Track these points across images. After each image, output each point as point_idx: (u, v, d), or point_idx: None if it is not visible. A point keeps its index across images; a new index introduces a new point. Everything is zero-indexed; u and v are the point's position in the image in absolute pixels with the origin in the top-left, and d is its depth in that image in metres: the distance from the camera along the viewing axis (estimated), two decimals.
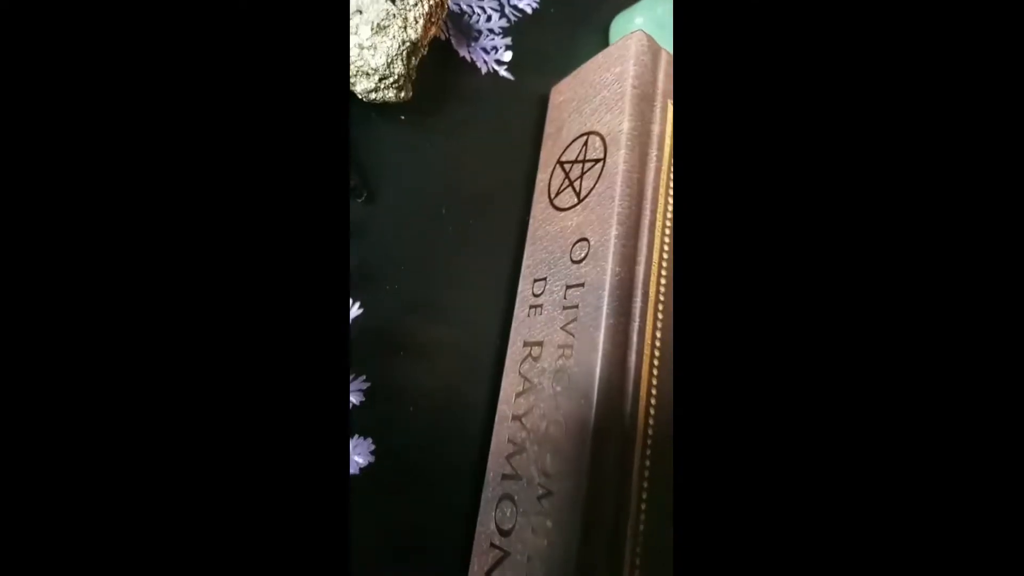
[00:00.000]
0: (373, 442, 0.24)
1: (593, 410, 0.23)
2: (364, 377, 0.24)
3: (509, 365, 0.30)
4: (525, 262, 0.32)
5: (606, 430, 0.23)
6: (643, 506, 0.23)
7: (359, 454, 0.23)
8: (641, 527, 0.23)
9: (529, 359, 0.28)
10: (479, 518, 0.27)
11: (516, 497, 0.25)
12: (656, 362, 0.25)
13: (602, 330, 0.24)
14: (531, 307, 0.30)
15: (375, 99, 0.26)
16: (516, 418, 0.28)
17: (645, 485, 0.23)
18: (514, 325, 0.30)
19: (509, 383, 0.29)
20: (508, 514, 0.26)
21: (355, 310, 0.24)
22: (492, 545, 0.26)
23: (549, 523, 0.23)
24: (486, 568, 0.26)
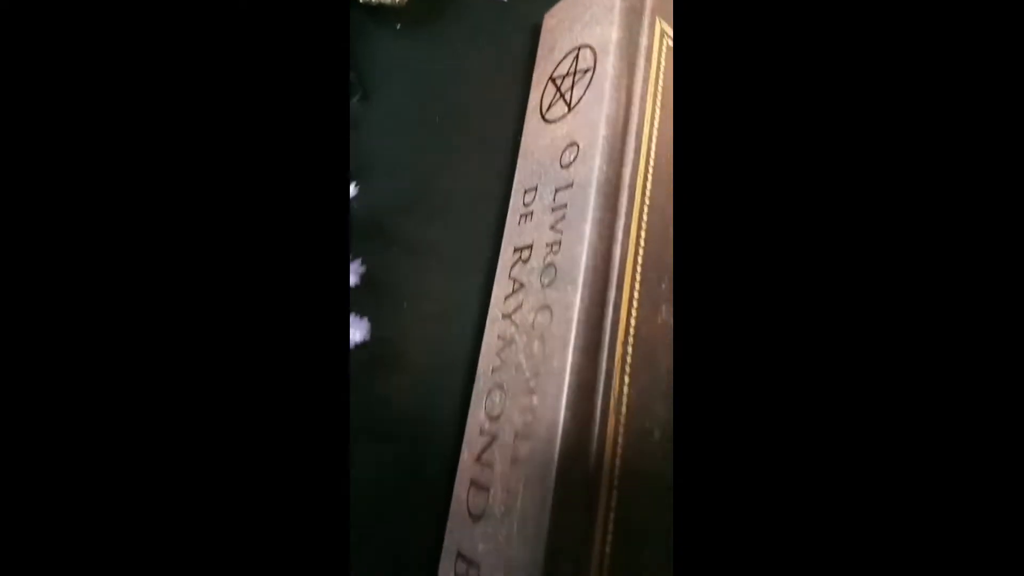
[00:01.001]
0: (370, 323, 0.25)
1: (578, 296, 0.25)
2: (360, 260, 0.25)
3: (500, 271, 0.31)
4: (516, 177, 0.33)
5: (593, 316, 0.25)
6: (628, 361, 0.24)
7: (358, 330, 0.24)
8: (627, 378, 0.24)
9: (519, 263, 0.29)
10: (470, 411, 0.29)
11: (504, 384, 0.27)
12: (640, 258, 0.26)
13: (588, 223, 0.25)
14: (521, 216, 0.31)
15: (372, 1, 0.27)
16: (506, 316, 0.29)
17: (629, 350, 0.24)
18: (505, 235, 0.32)
19: (500, 288, 0.30)
20: (497, 401, 0.27)
21: (352, 189, 0.25)
22: (481, 432, 0.27)
23: (535, 400, 0.24)
24: (476, 453, 0.27)
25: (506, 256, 0.31)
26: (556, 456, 0.22)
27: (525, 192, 0.31)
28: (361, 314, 0.24)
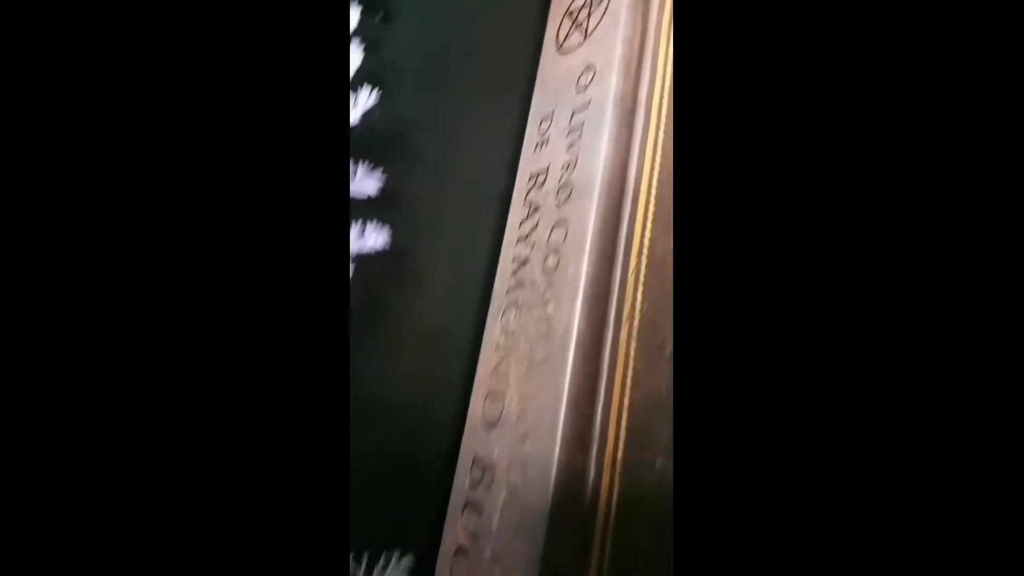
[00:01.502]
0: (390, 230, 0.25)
1: (594, 209, 0.25)
2: (382, 169, 0.25)
3: (515, 198, 0.31)
4: (532, 108, 0.33)
5: (609, 228, 0.25)
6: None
7: (379, 237, 0.25)
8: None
9: (535, 188, 0.30)
10: (486, 329, 0.29)
11: (520, 300, 0.27)
12: (655, 177, 0.27)
13: (605, 137, 0.26)
14: (537, 144, 0.31)
15: None
16: (521, 240, 0.29)
17: (643, 264, 0.25)
18: (520, 163, 0.32)
19: (515, 213, 0.31)
20: (512, 317, 0.28)
21: (373, 96, 0.26)
22: (497, 348, 0.28)
23: (550, 308, 0.25)
24: (492, 367, 0.28)
25: (521, 183, 0.31)
26: (571, 357, 0.23)
27: (541, 121, 0.32)
28: (381, 222, 0.25)
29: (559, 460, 0.22)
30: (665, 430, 0.25)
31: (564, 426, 0.22)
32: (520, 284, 0.28)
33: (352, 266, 0.24)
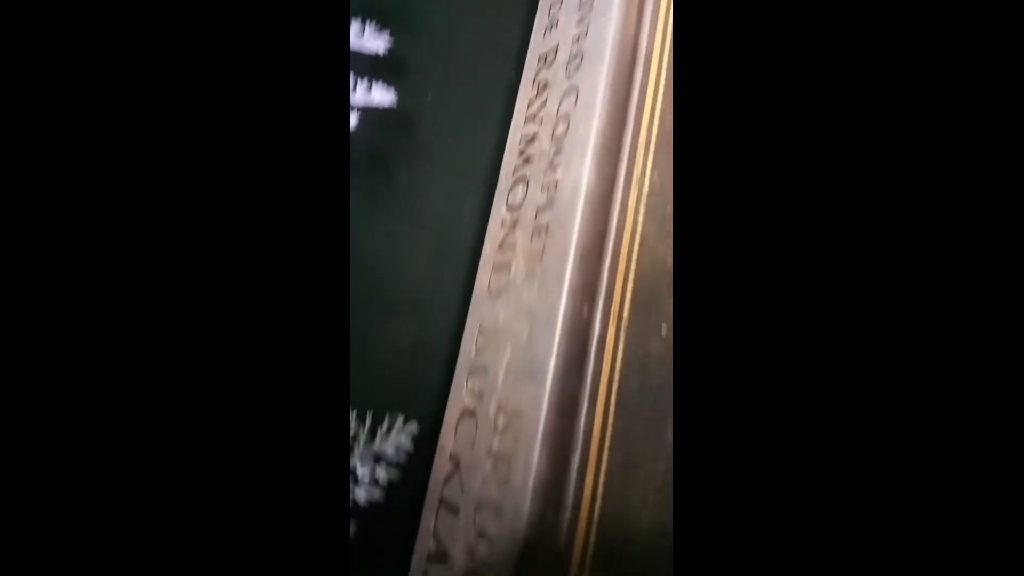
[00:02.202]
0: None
1: (605, 70, 0.25)
2: (389, 31, 0.25)
3: (523, 83, 0.31)
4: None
5: (620, 94, 0.25)
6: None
7: (386, 95, 0.24)
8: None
9: (544, 68, 0.29)
10: (492, 209, 0.29)
11: (527, 175, 0.27)
12: (666, 48, 0.26)
13: (615, 5, 0.25)
14: (546, 29, 0.31)
15: None
16: (529, 120, 0.29)
17: (654, 132, 0.24)
18: (529, 52, 0.31)
19: (523, 97, 0.30)
20: (520, 193, 0.27)
21: None
22: (503, 224, 0.28)
23: (559, 173, 0.25)
24: (498, 243, 0.28)
25: (530, 68, 0.31)
26: (579, 213, 0.23)
27: (550, 7, 0.31)
28: (388, 84, 0.24)
29: (565, 310, 0.22)
30: (668, 301, 0.25)
31: (571, 278, 0.22)
32: (528, 160, 0.28)
33: (357, 115, 0.23)
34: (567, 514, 0.20)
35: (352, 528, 0.23)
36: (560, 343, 0.21)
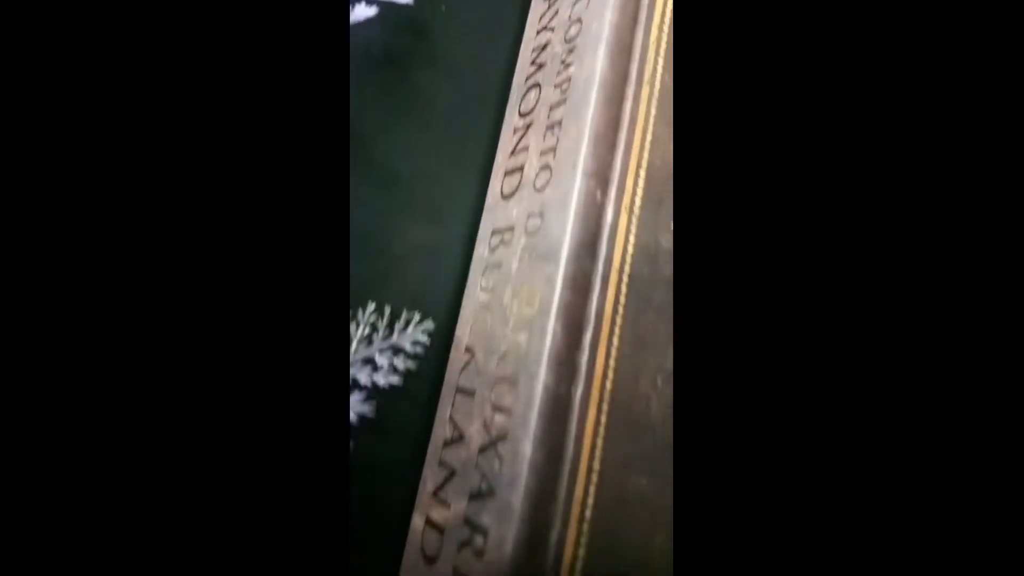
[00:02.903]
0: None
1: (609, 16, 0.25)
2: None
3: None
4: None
5: (623, 42, 0.25)
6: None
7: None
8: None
9: (547, 14, 0.30)
10: (504, 120, 0.29)
11: (540, 80, 0.28)
12: None
13: None
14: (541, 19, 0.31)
15: None
16: (541, 30, 0.29)
17: (664, 33, 0.25)
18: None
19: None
20: (532, 97, 0.28)
21: None
22: (515, 130, 0.28)
23: (572, 70, 0.25)
24: (510, 150, 0.28)
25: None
26: (593, 100, 0.23)
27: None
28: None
29: (579, 192, 0.22)
30: (671, 208, 0.25)
31: (585, 162, 0.23)
32: (540, 67, 0.28)
33: (376, 8, 0.24)
34: (580, 387, 0.21)
35: (371, 408, 0.24)
36: (574, 224, 0.22)
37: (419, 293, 0.26)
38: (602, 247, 0.22)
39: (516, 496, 0.19)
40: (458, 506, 0.22)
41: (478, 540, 0.20)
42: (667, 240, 0.25)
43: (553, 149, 0.24)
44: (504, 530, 0.19)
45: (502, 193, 0.27)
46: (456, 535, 0.22)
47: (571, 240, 0.22)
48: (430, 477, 0.24)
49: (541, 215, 0.24)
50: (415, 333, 0.26)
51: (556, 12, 0.28)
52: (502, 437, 0.21)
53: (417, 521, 0.24)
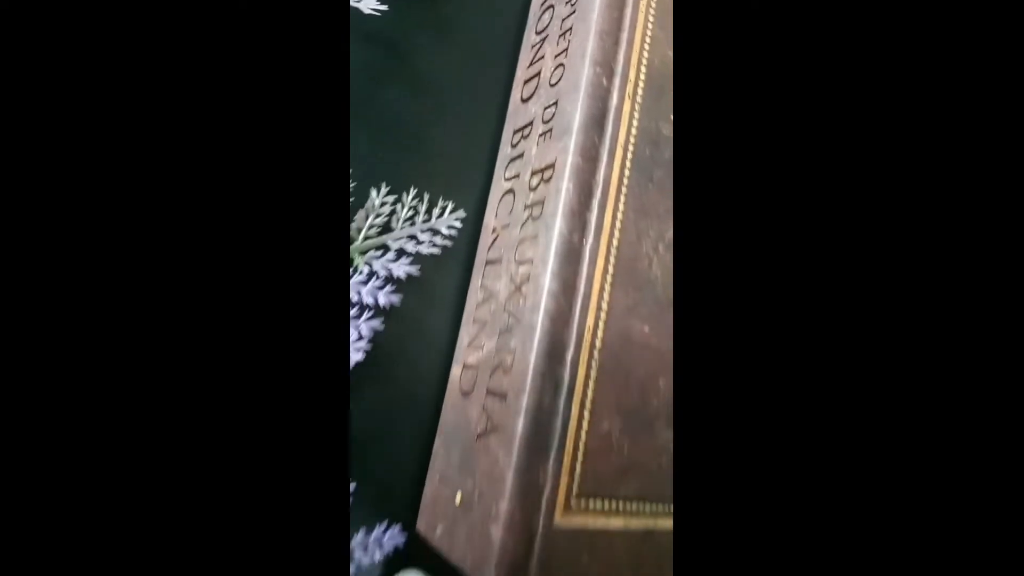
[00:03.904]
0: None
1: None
2: None
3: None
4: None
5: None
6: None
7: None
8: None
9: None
10: (521, 48, 0.33)
11: (554, 2, 0.31)
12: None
13: None
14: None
15: None
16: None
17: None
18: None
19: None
20: (547, 18, 0.32)
21: None
22: (532, 46, 0.32)
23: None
24: (526, 65, 0.32)
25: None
26: (597, 6, 0.27)
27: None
28: None
29: (587, 77, 0.26)
30: (670, 102, 0.29)
31: (592, 52, 0.26)
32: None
33: None
34: (590, 239, 0.25)
35: (417, 271, 0.28)
36: (583, 103, 0.26)
37: (453, 187, 0.31)
38: (608, 125, 0.26)
39: (536, 316, 0.23)
40: (489, 345, 0.26)
41: (507, 359, 0.24)
42: (667, 128, 0.28)
43: (565, 50, 0.28)
44: (527, 345, 0.23)
45: (522, 98, 0.31)
46: (488, 365, 0.26)
47: (581, 115, 0.25)
48: (465, 334, 0.29)
49: (556, 104, 0.28)
50: (449, 219, 0.30)
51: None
52: (525, 280, 0.25)
53: (455, 370, 0.28)
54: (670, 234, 0.28)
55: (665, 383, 0.27)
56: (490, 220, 0.30)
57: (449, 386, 0.28)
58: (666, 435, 0.26)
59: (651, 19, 0.28)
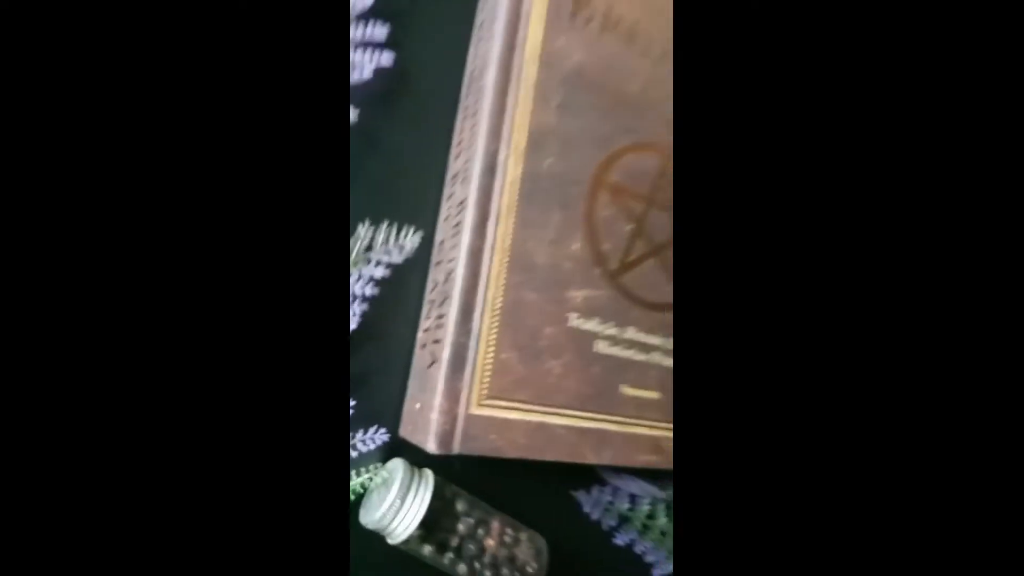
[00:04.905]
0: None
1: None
2: None
3: None
4: None
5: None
6: None
7: None
8: None
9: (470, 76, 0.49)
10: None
11: (465, 114, 0.47)
12: None
13: None
14: None
15: None
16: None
17: None
18: None
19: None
20: (465, 110, 0.47)
21: None
22: (459, 143, 0.48)
23: (476, 111, 0.45)
24: (455, 155, 0.48)
25: None
26: (490, 90, 0.43)
27: None
28: None
29: (482, 147, 0.42)
30: (546, 150, 0.44)
31: (486, 128, 0.42)
32: (469, 88, 0.48)
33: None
34: (488, 240, 0.40)
35: (390, 274, 0.43)
36: (481, 160, 0.41)
37: (415, 216, 0.46)
38: (498, 174, 0.41)
39: (456, 290, 0.39)
40: (434, 313, 0.41)
41: (442, 320, 0.40)
42: (547, 165, 0.43)
43: (474, 124, 0.44)
44: (452, 309, 0.39)
45: (455, 156, 0.47)
46: (433, 326, 0.41)
47: (479, 167, 0.41)
48: (424, 310, 0.44)
49: (467, 160, 0.43)
50: (413, 238, 0.45)
51: (475, 58, 0.48)
52: (451, 271, 0.41)
53: (420, 333, 0.44)
54: (544, 233, 0.42)
55: (550, 330, 0.41)
56: (438, 236, 0.46)
57: (416, 342, 0.44)
58: (550, 364, 0.41)
59: (531, 96, 0.44)
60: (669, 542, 0.53)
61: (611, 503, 0.52)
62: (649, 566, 0.52)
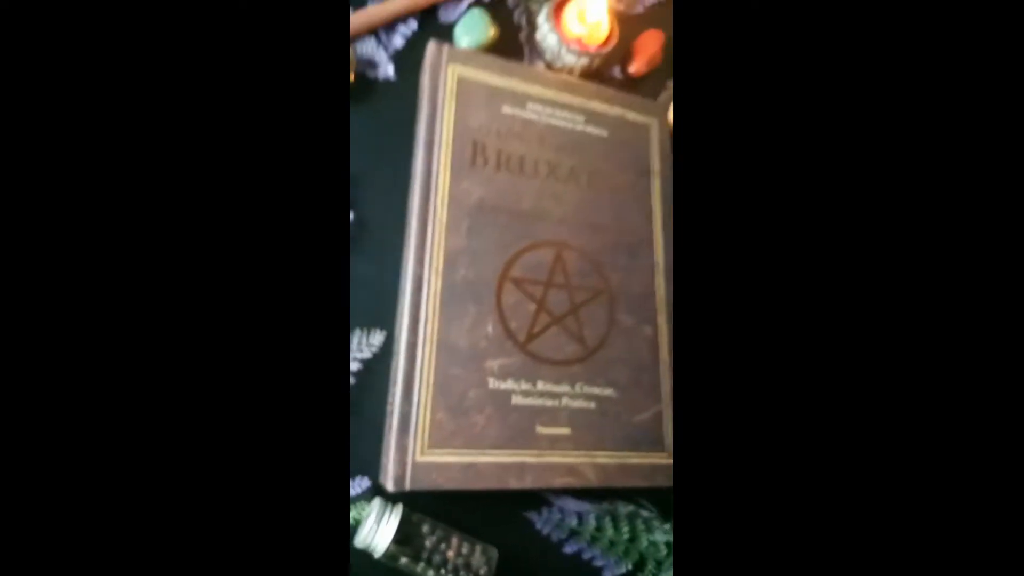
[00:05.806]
0: None
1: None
2: None
3: None
4: None
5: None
6: None
7: None
8: None
9: None
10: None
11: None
12: None
13: None
14: None
15: None
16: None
17: None
18: None
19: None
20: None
21: None
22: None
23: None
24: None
25: None
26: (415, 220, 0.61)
27: None
28: None
29: (411, 262, 0.59)
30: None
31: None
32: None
33: None
34: (420, 336, 0.57)
35: (361, 366, 0.61)
36: (411, 266, 0.59)
37: (378, 317, 0.64)
38: (424, 287, 0.58)
39: (399, 364, 0.55)
40: (392, 394, 0.58)
41: (391, 394, 0.56)
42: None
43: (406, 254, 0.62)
44: (396, 387, 0.55)
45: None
46: (391, 397, 0.58)
47: (411, 284, 0.58)
48: (389, 395, 0.61)
49: (404, 279, 0.61)
50: (378, 337, 0.63)
51: None
52: (397, 351, 0.57)
53: (388, 414, 0.61)
54: (463, 323, 0.59)
55: (473, 393, 0.57)
56: (395, 333, 0.63)
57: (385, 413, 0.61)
58: (476, 418, 0.56)
59: (444, 228, 0.61)
60: (620, 548, 0.66)
61: (561, 520, 0.65)
62: (599, 569, 0.65)
